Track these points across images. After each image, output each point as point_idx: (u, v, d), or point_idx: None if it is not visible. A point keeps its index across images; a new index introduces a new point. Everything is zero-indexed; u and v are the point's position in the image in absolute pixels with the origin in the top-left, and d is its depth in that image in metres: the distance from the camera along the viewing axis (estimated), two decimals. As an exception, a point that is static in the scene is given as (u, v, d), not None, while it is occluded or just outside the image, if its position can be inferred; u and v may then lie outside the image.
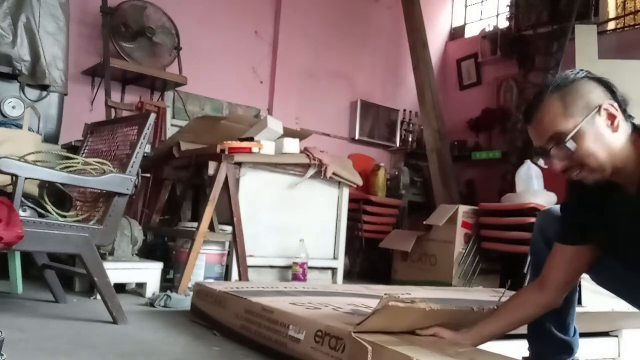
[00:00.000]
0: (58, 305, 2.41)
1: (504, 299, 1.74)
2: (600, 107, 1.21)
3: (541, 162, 1.31)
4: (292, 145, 3.29)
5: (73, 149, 2.85)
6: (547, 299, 1.45)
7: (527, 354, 1.68)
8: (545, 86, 1.28)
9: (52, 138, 3.21)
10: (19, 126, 2.91)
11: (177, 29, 4.39)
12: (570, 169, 1.25)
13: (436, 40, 6.30)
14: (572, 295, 1.56)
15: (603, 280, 1.50)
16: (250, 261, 3.05)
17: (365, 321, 1.41)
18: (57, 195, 2.25)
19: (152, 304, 2.58)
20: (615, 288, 1.50)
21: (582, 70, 1.28)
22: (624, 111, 1.24)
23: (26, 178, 1.92)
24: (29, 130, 2.91)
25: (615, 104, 1.23)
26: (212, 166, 2.97)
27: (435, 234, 4.21)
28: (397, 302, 1.37)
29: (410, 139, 5.97)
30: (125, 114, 3.92)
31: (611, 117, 1.21)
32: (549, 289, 1.44)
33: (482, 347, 1.60)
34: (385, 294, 1.40)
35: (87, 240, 2.05)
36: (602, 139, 1.21)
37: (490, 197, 4.63)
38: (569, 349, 1.61)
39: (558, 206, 1.55)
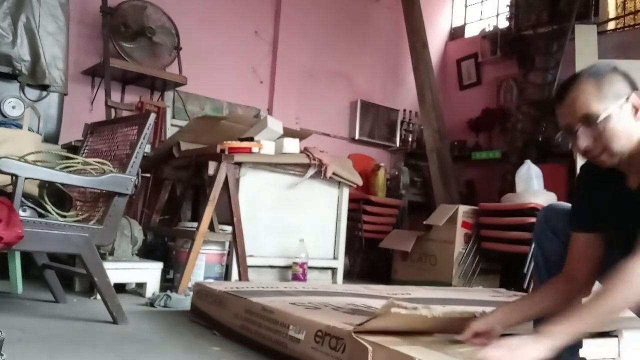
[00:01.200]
0: (58, 305, 2.41)
1: (502, 299, 1.75)
2: (628, 96, 1.31)
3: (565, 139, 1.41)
4: (292, 145, 3.29)
5: (73, 149, 2.85)
6: (577, 289, 1.47)
7: None
8: (581, 72, 1.37)
9: (52, 138, 3.21)
10: (19, 126, 2.91)
11: (177, 29, 4.39)
12: (592, 150, 1.33)
13: (436, 40, 6.30)
14: None
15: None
16: (250, 261, 3.05)
17: (365, 324, 1.41)
18: (57, 195, 2.25)
19: (152, 304, 2.58)
20: None
21: (610, 64, 1.38)
22: None
23: (26, 178, 1.92)
24: (29, 130, 2.91)
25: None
26: (212, 166, 2.97)
27: (435, 234, 4.21)
28: (399, 309, 1.37)
29: (410, 139, 5.97)
30: (125, 114, 3.92)
31: (635, 108, 1.32)
32: (577, 280, 1.45)
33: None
34: (389, 299, 1.39)
35: (87, 240, 2.05)
36: (627, 125, 1.31)
37: (490, 197, 4.62)
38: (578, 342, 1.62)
39: (561, 202, 1.57)
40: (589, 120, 1.30)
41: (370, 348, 1.34)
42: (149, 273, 2.85)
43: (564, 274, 1.48)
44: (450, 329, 1.55)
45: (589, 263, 1.45)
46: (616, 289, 1.25)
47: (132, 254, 2.91)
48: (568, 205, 1.57)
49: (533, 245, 1.68)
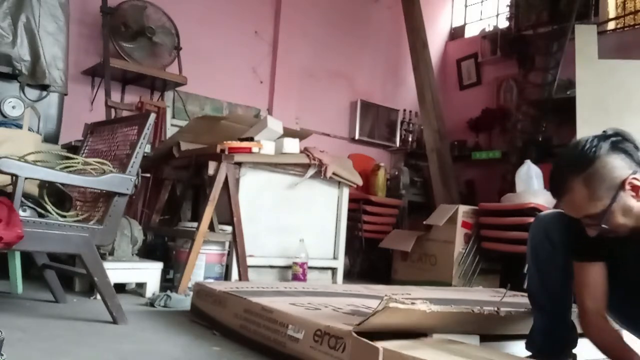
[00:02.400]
0: (58, 305, 2.41)
1: (505, 299, 1.76)
2: (624, 182, 1.27)
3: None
4: (292, 145, 3.29)
5: (73, 149, 2.85)
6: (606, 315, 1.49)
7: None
8: (565, 164, 1.33)
9: (52, 138, 3.21)
10: (19, 126, 2.90)
11: (177, 29, 4.39)
12: (602, 233, 1.35)
13: (436, 40, 6.30)
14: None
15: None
16: (250, 261, 3.05)
17: (365, 322, 1.41)
18: (57, 195, 2.25)
19: (152, 304, 2.58)
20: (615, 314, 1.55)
21: (599, 139, 1.31)
22: None
23: (26, 178, 1.92)
24: (29, 130, 2.90)
25: (635, 169, 1.28)
26: (212, 166, 2.97)
27: (435, 234, 4.21)
28: (397, 304, 1.37)
29: (410, 139, 5.97)
30: (125, 114, 3.92)
31: (635, 189, 1.28)
32: (603, 306, 1.46)
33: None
34: (386, 295, 1.40)
35: (87, 240, 2.05)
36: (630, 210, 1.29)
37: (490, 197, 4.62)
38: (573, 342, 1.64)
39: (555, 210, 1.57)
40: (590, 220, 1.32)
41: (381, 349, 1.34)
42: (149, 273, 2.85)
43: (596, 310, 1.45)
44: (449, 328, 1.55)
45: (603, 288, 1.46)
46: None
47: (132, 254, 2.91)
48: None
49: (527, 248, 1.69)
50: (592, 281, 1.45)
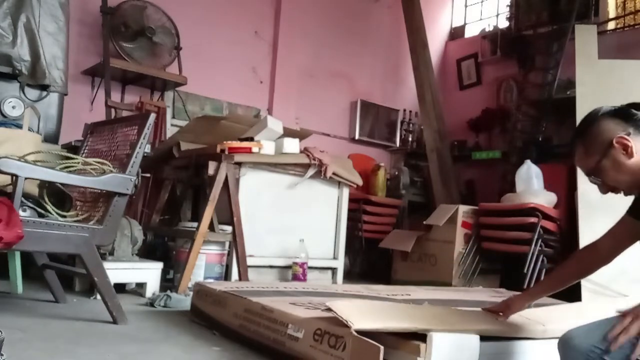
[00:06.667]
0: (58, 305, 2.41)
1: (498, 299, 1.78)
2: (612, 141, 1.40)
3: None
4: (292, 145, 3.29)
5: (73, 149, 2.85)
6: (599, 260, 1.61)
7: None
8: (575, 128, 1.54)
9: (52, 138, 3.21)
10: (19, 126, 2.90)
11: (177, 29, 4.39)
12: (610, 191, 1.48)
13: (436, 40, 6.30)
14: None
15: None
16: (250, 261, 3.05)
17: (350, 316, 1.43)
18: (57, 195, 2.25)
19: (152, 304, 2.58)
20: None
21: (603, 108, 1.48)
22: None
23: (26, 178, 1.92)
24: (29, 130, 2.90)
25: (629, 131, 1.40)
26: (212, 166, 2.97)
27: (435, 234, 4.21)
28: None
29: (410, 139, 5.97)
30: (125, 114, 3.92)
31: (624, 147, 1.39)
32: (600, 253, 1.60)
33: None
34: (387, 295, 1.42)
35: (87, 240, 2.05)
36: (621, 167, 1.41)
37: (490, 197, 4.62)
38: None
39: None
40: (589, 174, 1.47)
41: (381, 347, 1.34)
42: (149, 273, 2.86)
43: (591, 245, 1.62)
44: (448, 327, 1.55)
45: (617, 242, 1.58)
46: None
47: (132, 254, 2.91)
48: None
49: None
50: (617, 227, 1.55)
